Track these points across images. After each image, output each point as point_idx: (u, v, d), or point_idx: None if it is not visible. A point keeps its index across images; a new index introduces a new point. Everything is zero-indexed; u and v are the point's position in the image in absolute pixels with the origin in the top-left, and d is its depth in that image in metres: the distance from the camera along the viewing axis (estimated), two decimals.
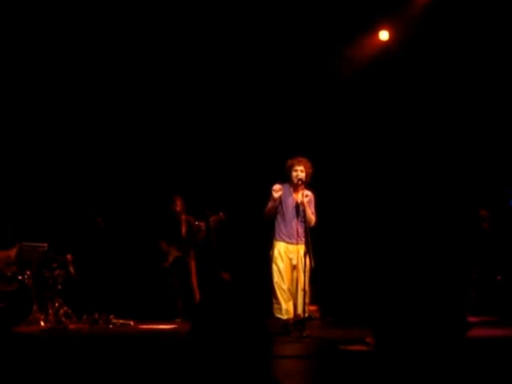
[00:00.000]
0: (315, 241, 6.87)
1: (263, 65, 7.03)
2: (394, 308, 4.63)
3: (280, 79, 7.27)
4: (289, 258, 7.09)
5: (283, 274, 7.03)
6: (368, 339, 5.51)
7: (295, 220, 7.05)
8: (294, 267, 7.06)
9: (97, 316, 8.01)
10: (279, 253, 7.08)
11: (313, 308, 8.31)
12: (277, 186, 6.93)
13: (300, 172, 7.03)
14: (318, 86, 7.16)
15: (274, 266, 7.06)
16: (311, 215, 7.15)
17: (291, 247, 7.10)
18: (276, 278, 7.03)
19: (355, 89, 6.84)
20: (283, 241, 7.12)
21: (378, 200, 7.63)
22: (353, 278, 8.51)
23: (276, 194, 6.89)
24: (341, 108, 7.27)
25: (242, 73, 7.79)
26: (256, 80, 7.78)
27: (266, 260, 7.20)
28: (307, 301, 6.95)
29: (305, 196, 6.93)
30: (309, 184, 7.07)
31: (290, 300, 6.99)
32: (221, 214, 8.61)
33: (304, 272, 6.80)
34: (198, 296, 8.96)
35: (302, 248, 7.01)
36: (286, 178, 7.11)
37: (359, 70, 6.80)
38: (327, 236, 8.13)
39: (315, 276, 6.95)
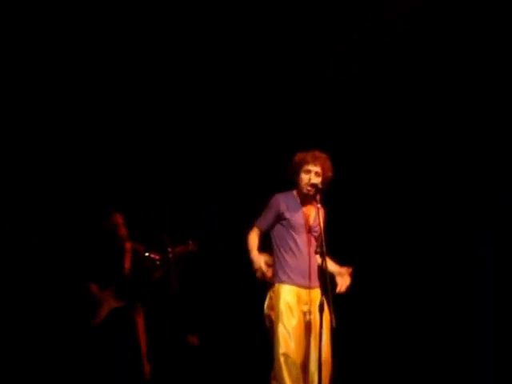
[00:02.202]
0: None
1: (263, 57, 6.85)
2: None
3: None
4: (301, 310, 4.58)
5: (293, 338, 4.47)
6: None
7: (307, 249, 4.68)
8: (307, 323, 4.56)
9: None
10: (287, 304, 4.55)
11: None
12: (259, 266, 4.58)
13: (314, 175, 4.70)
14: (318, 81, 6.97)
15: (280, 327, 4.49)
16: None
17: (304, 293, 4.60)
18: (282, 347, 4.46)
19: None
20: (292, 283, 4.61)
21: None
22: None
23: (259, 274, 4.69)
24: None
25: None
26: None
27: (260, 316, 4.67)
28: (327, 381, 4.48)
29: (321, 213, 4.57)
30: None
31: (299, 381, 4.47)
32: (190, 242, 5.90)
33: (321, 334, 4.35)
34: (147, 372, 5.92)
35: (316, 294, 4.58)
36: (289, 184, 4.86)
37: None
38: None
39: (336, 340, 4.56)
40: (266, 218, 4.81)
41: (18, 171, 6.45)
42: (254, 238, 4.79)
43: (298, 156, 4.81)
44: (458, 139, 5.99)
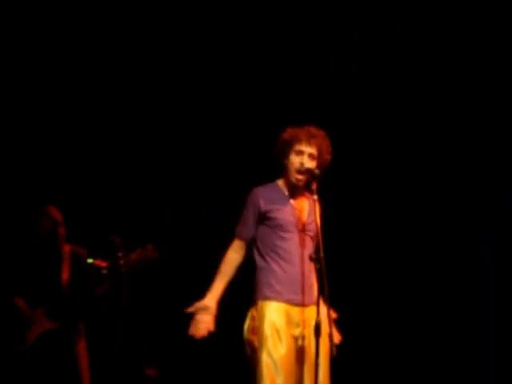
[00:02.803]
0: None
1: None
2: None
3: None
4: (292, 335, 3.61)
5: (281, 371, 3.50)
6: None
7: (300, 254, 3.68)
8: (300, 351, 3.60)
9: None
10: (273, 327, 3.55)
11: None
12: (202, 305, 3.66)
13: (308, 158, 3.73)
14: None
15: (264, 357, 3.51)
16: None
17: (295, 312, 3.64)
18: (266, 381, 3.48)
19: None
20: (280, 299, 3.63)
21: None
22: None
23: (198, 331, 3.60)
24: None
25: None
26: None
27: (239, 343, 3.70)
28: None
29: (317, 206, 3.59)
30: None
31: None
32: (149, 247, 4.63)
33: (317, 365, 3.39)
34: None
35: (311, 313, 3.56)
36: (275, 172, 3.88)
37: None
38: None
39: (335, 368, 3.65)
40: (246, 222, 3.82)
41: None
42: (231, 256, 3.81)
43: (289, 132, 3.84)
44: (458, 139, 5.99)
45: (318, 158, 3.81)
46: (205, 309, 3.70)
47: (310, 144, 3.78)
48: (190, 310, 3.67)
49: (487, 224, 5.80)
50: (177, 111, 6.56)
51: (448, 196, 6.01)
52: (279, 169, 3.90)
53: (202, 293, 3.74)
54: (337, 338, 3.72)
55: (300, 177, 3.78)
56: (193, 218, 6.37)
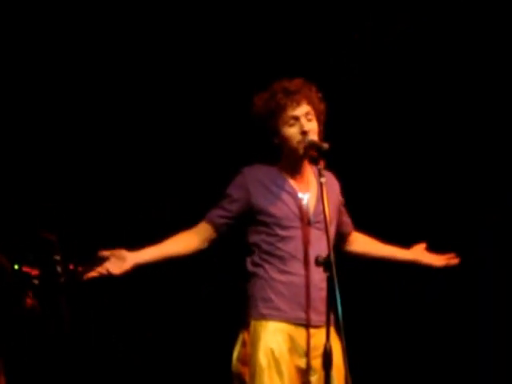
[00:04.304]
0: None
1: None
2: None
3: None
4: (296, 366, 2.83)
5: None
6: None
7: (305, 257, 2.89)
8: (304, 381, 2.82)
9: None
10: (270, 355, 2.75)
11: None
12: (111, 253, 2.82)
13: (306, 120, 2.97)
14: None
15: None
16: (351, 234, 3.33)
17: (300, 335, 2.86)
18: None
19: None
20: (280, 318, 2.86)
21: None
22: None
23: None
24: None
25: None
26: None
27: (226, 376, 2.92)
28: None
29: (325, 191, 2.73)
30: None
31: None
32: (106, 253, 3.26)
33: None
34: None
35: (321, 337, 2.70)
36: (260, 155, 3.11)
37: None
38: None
39: None
40: (224, 208, 3.01)
41: None
42: (185, 235, 3.01)
43: (263, 104, 3.00)
44: (458, 139, 5.99)
45: (315, 112, 3.04)
46: (119, 256, 2.82)
47: (298, 103, 2.97)
48: (104, 253, 2.82)
49: (487, 224, 5.79)
50: (176, 111, 6.56)
51: (448, 196, 6.01)
52: (273, 156, 3.09)
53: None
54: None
55: (307, 148, 2.92)
56: (192, 219, 6.20)
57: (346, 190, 6.33)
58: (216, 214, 3.03)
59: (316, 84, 4.66)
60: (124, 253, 2.84)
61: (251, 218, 3.00)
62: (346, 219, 3.39)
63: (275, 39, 6.54)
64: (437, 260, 3.51)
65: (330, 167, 3.13)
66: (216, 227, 3.02)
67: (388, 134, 6.39)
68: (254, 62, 6.58)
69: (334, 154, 4.00)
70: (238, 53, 6.43)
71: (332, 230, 2.92)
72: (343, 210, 3.33)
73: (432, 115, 6.11)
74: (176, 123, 5.99)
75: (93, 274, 2.77)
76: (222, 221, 3.01)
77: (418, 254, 3.50)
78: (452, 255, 3.56)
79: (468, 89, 5.99)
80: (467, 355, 5.69)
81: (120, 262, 2.79)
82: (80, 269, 3.05)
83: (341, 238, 3.31)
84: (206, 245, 3.03)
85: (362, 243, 3.49)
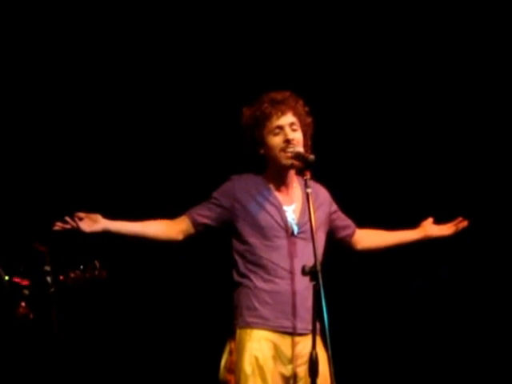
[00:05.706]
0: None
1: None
2: None
3: None
4: (281, 374, 2.89)
5: None
6: None
7: (290, 266, 2.96)
8: None
9: None
10: (255, 363, 2.82)
11: None
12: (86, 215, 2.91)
13: (290, 129, 3.03)
14: None
15: None
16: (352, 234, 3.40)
17: (286, 344, 2.93)
18: None
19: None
20: (266, 326, 2.93)
21: None
22: None
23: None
24: None
25: None
26: None
27: (212, 382, 3.00)
28: None
29: (311, 202, 2.80)
30: None
31: None
32: (96, 264, 3.55)
33: None
34: None
35: (307, 344, 2.81)
36: (246, 165, 3.20)
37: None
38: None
39: None
40: (207, 208, 3.09)
41: None
42: (162, 223, 3.08)
43: (250, 114, 3.07)
44: (458, 139, 5.99)
45: (301, 124, 3.07)
46: (93, 218, 2.95)
47: (283, 113, 3.01)
48: (80, 214, 2.91)
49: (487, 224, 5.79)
50: (176, 111, 6.60)
51: (448, 195, 6.01)
52: (259, 166, 3.14)
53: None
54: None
55: (289, 154, 2.97)
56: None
57: (344, 190, 6.32)
58: (198, 211, 3.12)
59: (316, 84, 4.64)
60: (98, 216, 2.96)
61: (235, 226, 3.07)
62: (344, 223, 3.42)
63: (275, 39, 6.57)
64: (446, 229, 3.62)
65: (329, 168, 3.40)
66: (194, 224, 3.10)
67: (388, 133, 6.39)
68: (244, 73, 6.62)
69: (333, 153, 3.80)
70: (229, 63, 6.46)
71: (321, 239, 3.04)
72: (338, 216, 3.36)
73: (432, 115, 6.10)
74: (166, 131, 5.95)
75: (63, 225, 2.90)
76: (202, 220, 3.10)
77: (427, 229, 3.61)
78: (459, 219, 3.63)
79: (468, 89, 6.01)
80: (467, 354, 5.72)
81: (92, 222, 2.92)
82: (72, 275, 3.44)
83: (345, 241, 3.42)
84: (181, 237, 3.11)
85: (369, 238, 3.57)
